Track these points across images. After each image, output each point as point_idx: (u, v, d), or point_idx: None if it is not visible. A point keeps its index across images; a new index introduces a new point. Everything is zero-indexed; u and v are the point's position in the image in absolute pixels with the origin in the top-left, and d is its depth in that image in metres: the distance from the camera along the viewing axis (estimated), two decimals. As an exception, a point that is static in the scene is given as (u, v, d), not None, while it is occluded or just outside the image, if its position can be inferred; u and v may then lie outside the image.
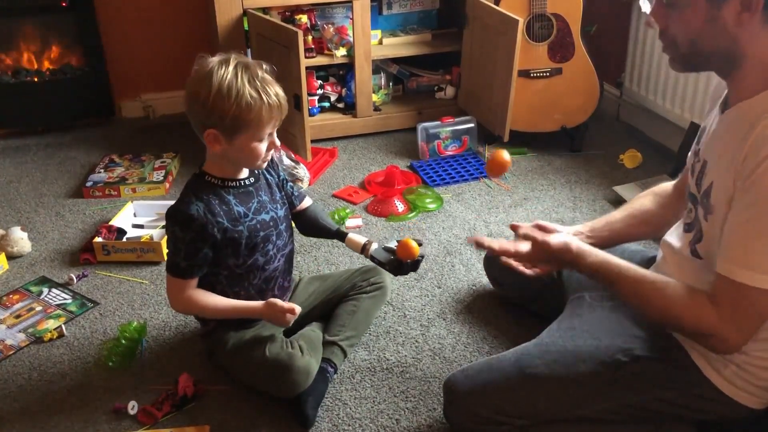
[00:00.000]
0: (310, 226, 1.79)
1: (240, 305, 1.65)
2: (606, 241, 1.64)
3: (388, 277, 1.89)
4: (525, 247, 1.46)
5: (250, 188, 1.62)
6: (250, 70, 1.48)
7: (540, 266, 1.60)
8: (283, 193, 1.73)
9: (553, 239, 1.42)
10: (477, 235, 1.50)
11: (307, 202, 1.80)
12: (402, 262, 1.70)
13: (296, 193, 1.77)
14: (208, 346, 1.77)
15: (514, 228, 1.54)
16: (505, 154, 1.64)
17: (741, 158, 1.19)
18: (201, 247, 1.55)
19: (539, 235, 1.43)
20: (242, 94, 1.44)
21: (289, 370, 1.60)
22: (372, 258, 1.73)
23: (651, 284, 1.32)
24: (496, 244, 1.47)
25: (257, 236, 1.62)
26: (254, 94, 1.45)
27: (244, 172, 1.62)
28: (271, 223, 1.65)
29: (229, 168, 1.59)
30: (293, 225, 1.80)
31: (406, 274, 1.73)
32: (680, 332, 1.35)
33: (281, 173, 1.74)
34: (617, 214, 1.67)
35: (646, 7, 1.29)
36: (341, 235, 1.75)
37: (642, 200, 1.66)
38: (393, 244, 1.72)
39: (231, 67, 1.47)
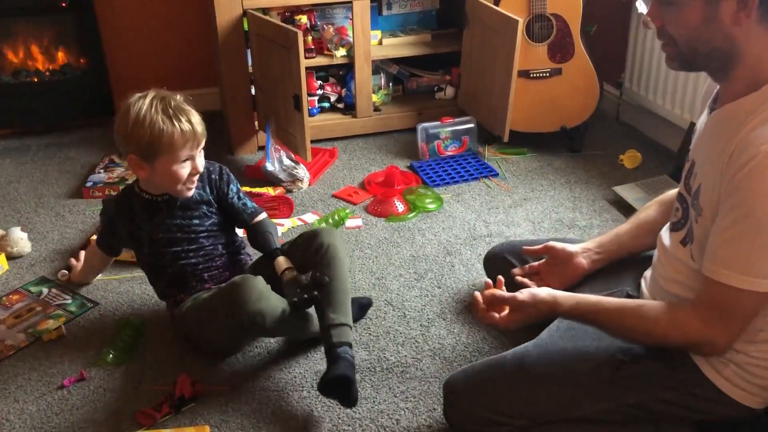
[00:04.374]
0: (254, 242, 1.88)
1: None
2: (615, 254, 1.66)
3: (334, 238, 1.82)
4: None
5: (161, 204, 1.81)
6: (165, 100, 1.68)
7: (552, 285, 1.58)
8: (214, 207, 1.85)
9: (520, 294, 1.43)
10: (476, 297, 1.50)
11: (258, 219, 1.89)
12: (306, 300, 1.68)
13: (249, 211, 1.88)
14: (175, 319, 1.86)
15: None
16: None
17: (726, 160, 1.20)
18: (108, 232, 1.93)
19: (507, 295, 1.44)
20: (154, 122, 1.65)
21: (238, 286, 1.65)
22: (282, 284, 1.74)
23: (628, 310, 1.35)
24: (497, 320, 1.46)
25: (158, 237, 1.81)
26: (166, 121, 1.66)
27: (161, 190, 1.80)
28: (177, 231, 1.82)
29: (153, 189, 1.81)
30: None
31: (301, 307, 1.71)
32: (672, 348, 1.36)
33: (231, 193, 1.86)
34: (624, 227, 1.68)
35: (642, 8, 1.29)
36: (272, 256, 1.81)
37: (647, 211, 1.66)
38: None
39: (147, 100, 1.68)
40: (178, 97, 1.72)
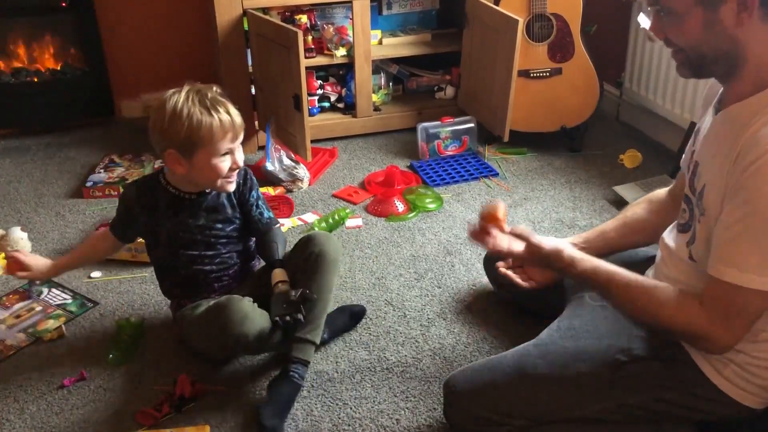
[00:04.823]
0: (260, 250, 1.85)
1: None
2: (600, 251, 1.65)
3: (326, 244, 1.79)
4: (519, 246, 1.47)
5: (187, 202, 1.76)
6: (201, 93, 1.64)
7: (535, 278, 1.65)
8: (237, 212, 1.81)
9: (546, 243, 1.43)
10: (476, 230, 1.53)
11: (273, 228, 1.83)
12: (288, 322, 1.66)
13: (264, 221, 1.83)
14: (176, 322, 1.85)
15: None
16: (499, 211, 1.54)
17: (732, 160, 1.20)
18: (125, 219, 1.81)
19: (534, 238, 1.45)
20: (192, 114, 1.60)
21: (224, 308, 1.64)
22: (273, 297, 1.72)
23: (641, 288, 1.34)
24: (491, 243, 1.49)
25: (178, 236, 1.76)
26: (204, 113, 1.61)
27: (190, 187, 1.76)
28: (198, 234, 1.77)
29: (188, 186, 1.75)
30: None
31: (283, 327, 1.69)
32: (671, 335, 1.36)
33: (252, 199, 1.81)
34: (610, 224, 1.68)
35: (645, 23, 1.29)
36: (272, 268, 1.77)
37: (635, 209, 1.67)
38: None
39: (183, 93, 1.63)
40: (214, 88, 1.66)
